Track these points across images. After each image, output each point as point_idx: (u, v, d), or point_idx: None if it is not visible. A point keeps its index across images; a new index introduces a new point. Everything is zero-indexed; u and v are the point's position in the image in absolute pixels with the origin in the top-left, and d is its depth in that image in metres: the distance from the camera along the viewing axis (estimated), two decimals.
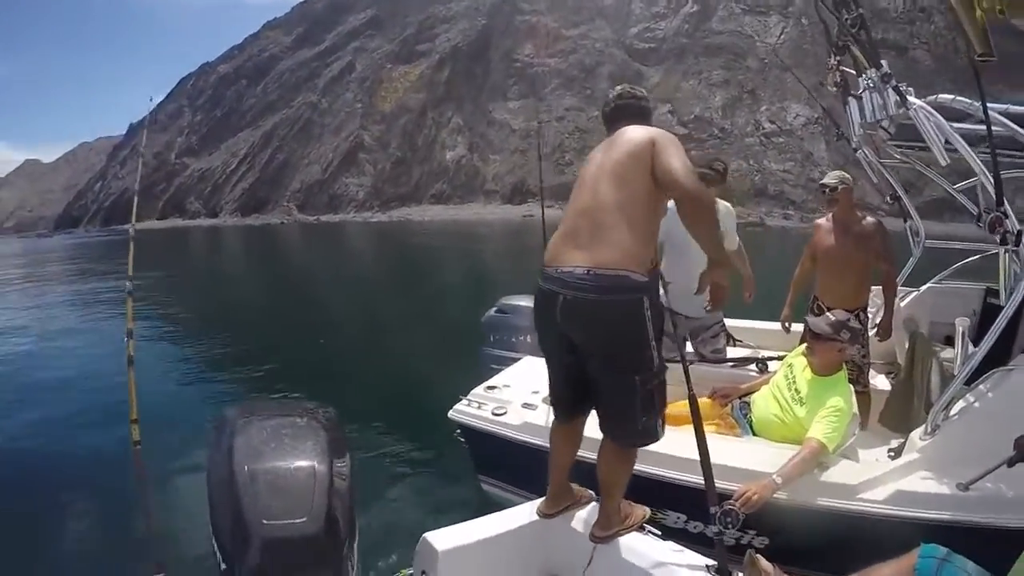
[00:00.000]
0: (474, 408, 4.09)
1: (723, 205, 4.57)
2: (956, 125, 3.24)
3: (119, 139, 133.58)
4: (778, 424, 3.58)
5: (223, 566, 1.63)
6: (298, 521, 1.62)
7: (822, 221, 4.65)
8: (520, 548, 2.85)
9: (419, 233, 47.32)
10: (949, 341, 4.64)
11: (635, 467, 3.00)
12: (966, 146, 3.21)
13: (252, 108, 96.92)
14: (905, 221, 5.61)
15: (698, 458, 2.57)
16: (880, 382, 4.69)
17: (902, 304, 5.17)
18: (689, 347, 4.72)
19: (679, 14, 71.67)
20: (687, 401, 3.78)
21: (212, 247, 50.02)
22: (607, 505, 2.67)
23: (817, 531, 2.94)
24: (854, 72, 3.85)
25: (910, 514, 2.82)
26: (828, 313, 3.77)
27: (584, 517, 2.83)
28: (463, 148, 75.49)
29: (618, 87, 3.00)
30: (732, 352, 4.99)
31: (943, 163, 3.29)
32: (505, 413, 3.92)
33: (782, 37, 59.92)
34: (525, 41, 78.18)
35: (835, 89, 4.28)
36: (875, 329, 4.68)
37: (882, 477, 3.00)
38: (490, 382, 4.32)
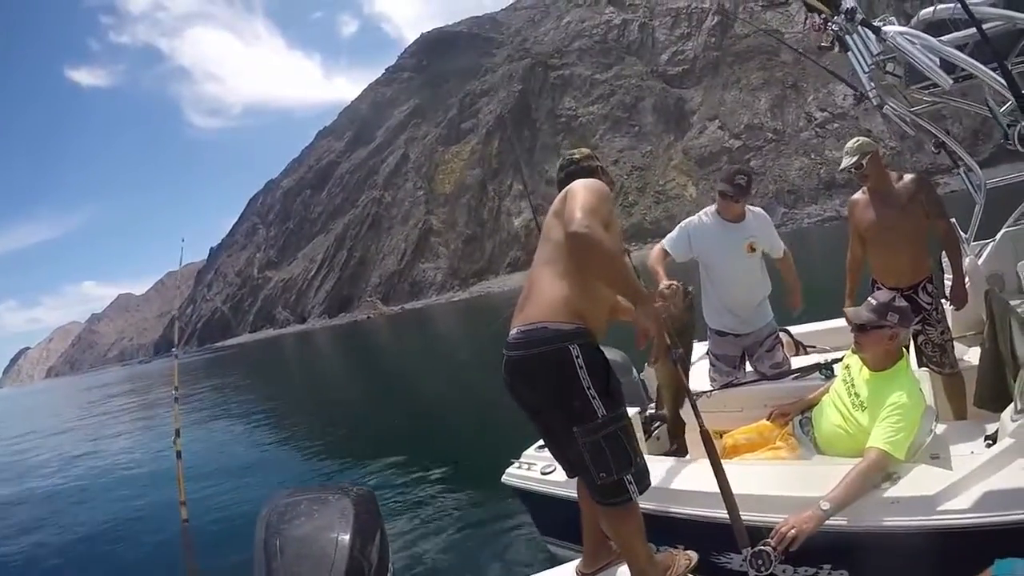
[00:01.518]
0: (524, 470, 3.95)
1: (754, 213, 4.20)
2: (947, 37, 2.92)
3: (202, 264, 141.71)
4: (843, 436, 3.05)
5: None
6: None
7: (858, 196, 4.08)
8: None
9: (499, 303, 48.01)
10: None
11: (675, 507, 2.95)
12: (962, 56, 2.82)
13: (321, 214, 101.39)
14: (957, 166, 5.04)
15: (748, 491, 2.45)
16: (974, 356, 3.91)
17: (980, 261, 4.55)
18: (748, 367, 4.37)
19: (702, 29, 71.91)
20: (744, 429, 3.64)
21: (300, 350, 52.20)
22: (631, 563, 2.52)
23: (898, 556, 2.46)
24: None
25: (1004, 519, 2.25)
26: (868, 299, 3.15)
27: (627, 574, 2.58)
28: (528, 212, 76.45)
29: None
30: (797, 362, 4.41)
31: (945, 86, 2.95)
32: (553, 471, 3.69)
33: (808, 23, 59.00)
34: (563, 96, 79.60)
35: (836, 49, 3.92)
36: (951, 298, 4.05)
37: (968, 478, 2.43)
38: (540, 441, 4.02)
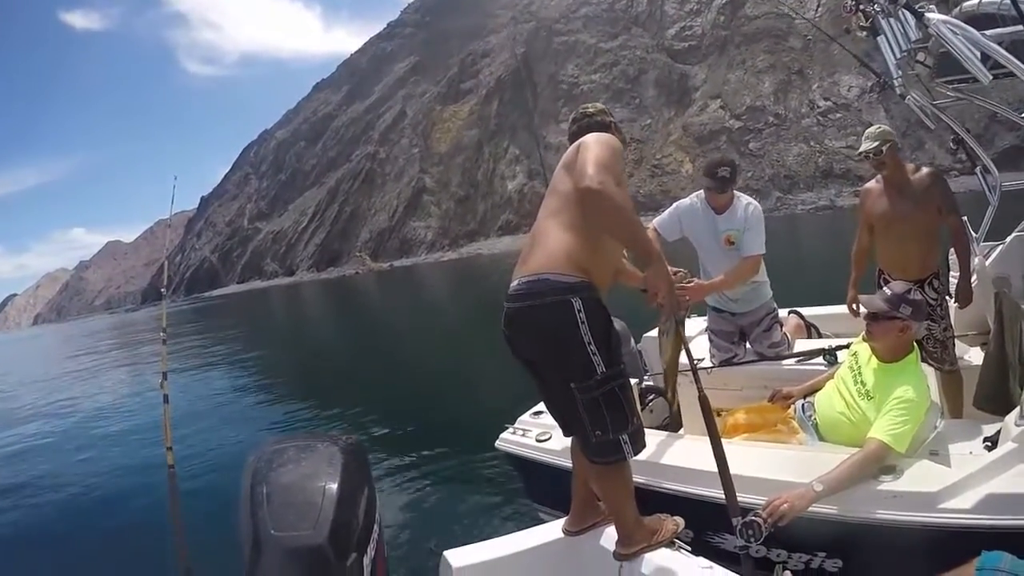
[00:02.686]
0: (519, 436, 3.92)
1: (745, 204, 4.06)
2: (992, 32, 2.80)
3: (192, 212, 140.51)
4: (845, 424, 3.03)
5: (245, 573, 1.81)
6: (304, 532, 1.78)
7: (871, 185, 4.06)
8: (544, 566, 2.73)
9: (488, 265, 48.01)
10: None
11: (668, 482, 2.97)
12: (1007, 55, 2.71)
13: (314, 167, 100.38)
14: (974, 166, 5.03)
15: (745, 472, 2.46)
16: (975, 356, 3.96)
17: (987, 262, 4.54)
18: (748, 346, 4.39)
19: (712, 7, 70.70)
20: (745, 408, 3.65)
21: (288, 302, 52.07)
22: (618, 522, 2.53)
23: (895, 551, 2.47)
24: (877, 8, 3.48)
25: (1005, 523, 2.28)
26: (884, 288, 3.13)
27: (612, 535, 2.60)
28: (523, 176, 76.02)
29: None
30: (803, 345, 4.40)
31: (984, 81, 2.84)
32: (549, 439, 3.68)
33: (820, 9, 58.13)
34: (567, 62, 78.71)
35: (863, 34, 3.84)
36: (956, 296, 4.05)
37: (970, 478, 2.43)
38: (537, 407, 4.04)
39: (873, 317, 2.97)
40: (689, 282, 3.46)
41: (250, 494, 1.90)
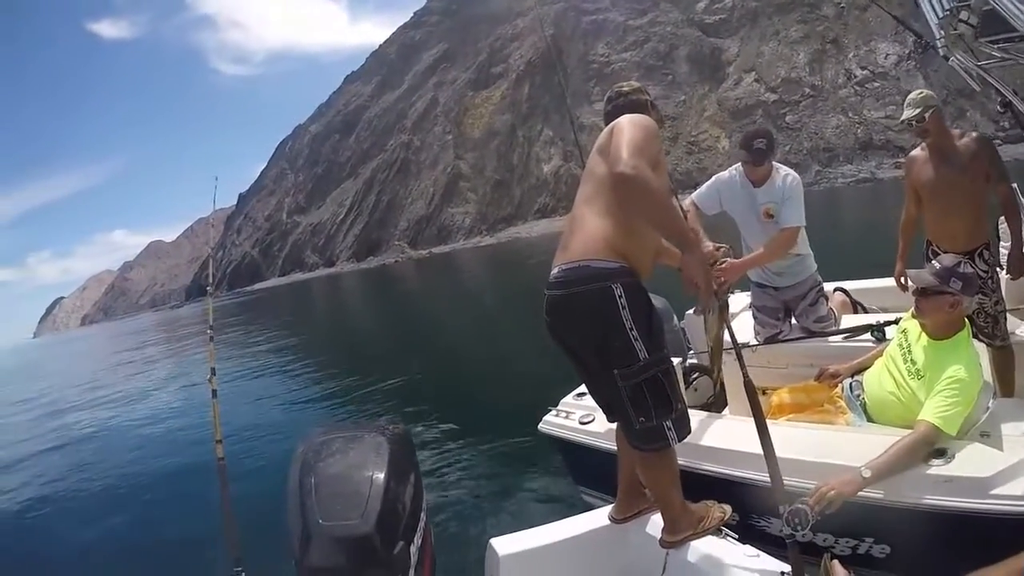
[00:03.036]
0: (562, 419, 3.88)
1: (784, 175, 3.98)
2: None
3: (231, 209, 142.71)
4: (895, 404, 2.92)
5: (294, 562, 1.85)
6: (351, 522, 1.83)
7: (916, 152, 3.87)
8: (590, 554, 2.72)
9: (526, 249, 47.99)
10: None
11: (712, 464, 2.93)
12: None
13: (350, 159, 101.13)
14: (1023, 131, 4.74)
15: (791, 455, 2.41)
16: None
17: None
18: (793, 321, 4.29)
19: None
20: (791, 388, 3.59)
21: (329, 293, 52.86)
22: (664, 510, 2.52)
23: (945, 538, 2.39)
24: None
25: None
26: (933, 261, 2.98)
27: (659, 522, 2.58)
28: (559, 159, 75.76)
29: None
30: (850, 321, 4.25)
31: None
32: (592, 420, 3.64)
33: None
34: (596, 41, 77.95)
35: None
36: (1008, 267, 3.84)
37: (1021, 464, 2.34)
38: (580, 389, 3.97)
39: (922, 292, 2.84)
40: (724, 262, 3.40)
41: (298, 485, 1.95)
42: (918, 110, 3.62)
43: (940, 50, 3.92)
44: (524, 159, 78.23)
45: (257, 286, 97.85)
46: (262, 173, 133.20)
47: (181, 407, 13.37)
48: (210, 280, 3.41)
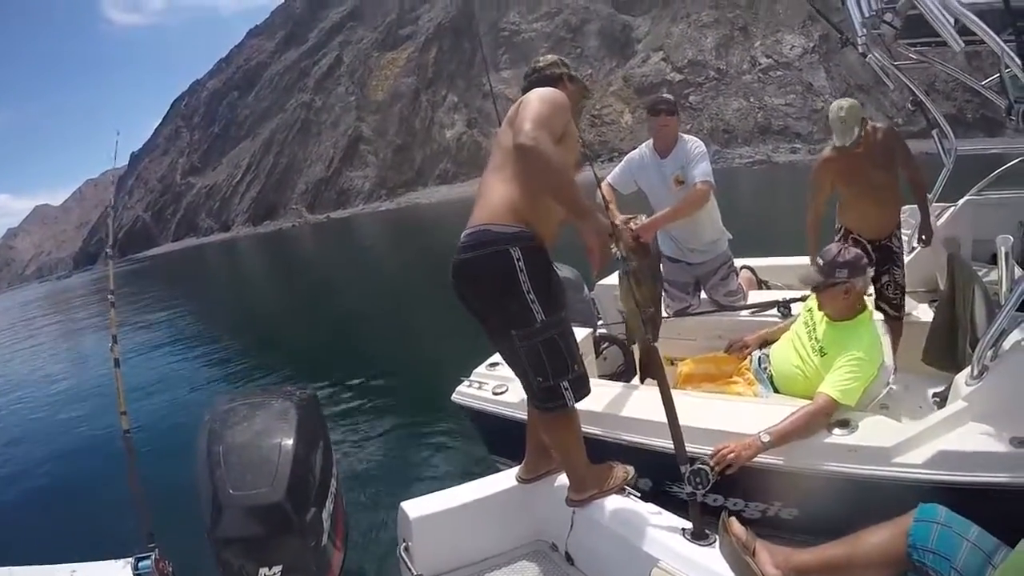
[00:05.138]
0: (475, 389, 3.89)
1: (686, 141, 4.07)
2: (968, 0, 2.77)
3: (123, 170, 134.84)
4: (800, 378, 3.10)
5: (206, 533, 1.79)
6: (262, 490, 1.80)
7: (830, 153, 4.07)
8: (500, 514, 2.79)
9: (427, 215, 47.54)
10: (994, 260, 4.24)
11: (621, 432, 3.01)
12: (981, 24, 2.67)
13: (248, 118, 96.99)
14: (931, 130, 5.07)
15: (698, 424, 2.50)
16: (923, 313, 4.08)
17: (939, 223, 4.64)
18: (703, 295, 4.45)
19: None
20: (700, 358, 3.72)
21: (227, 260, 50.83)
22: (569, 470, 2.60)
23: (847, 502, 2.52)
24: None
25: (953, 479, 2.33)
26: (817, 258, 3.16)
27: (565, 482, 2.65)
28: (462, 125, 75.24)
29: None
30: (757, 297, 4.43)
31: (956, 48, 2.86)
32: (505, 391, 3.67)
33: None
34: (509, 9, 77.46)
35: None
36: (916, 245, 4.27)
37: (922, 435, 2.49)
38: (492, 359, 4.01)
39: (815, 289, 3.06)
40: (638, 219, 3.46)
41: (207, 455, 1.90)
42: (857, 131, 3.80)
43: (860, 47, 4.17)
44: (427, 124, 77.37)
45: (150, 252, 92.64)
46: (156, 131, 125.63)
47: (80, 380, 12.59)
48: (110, 241, 3.24)
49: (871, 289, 3.66)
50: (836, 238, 4.14)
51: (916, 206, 4.33)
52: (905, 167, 4.01)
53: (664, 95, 4.15)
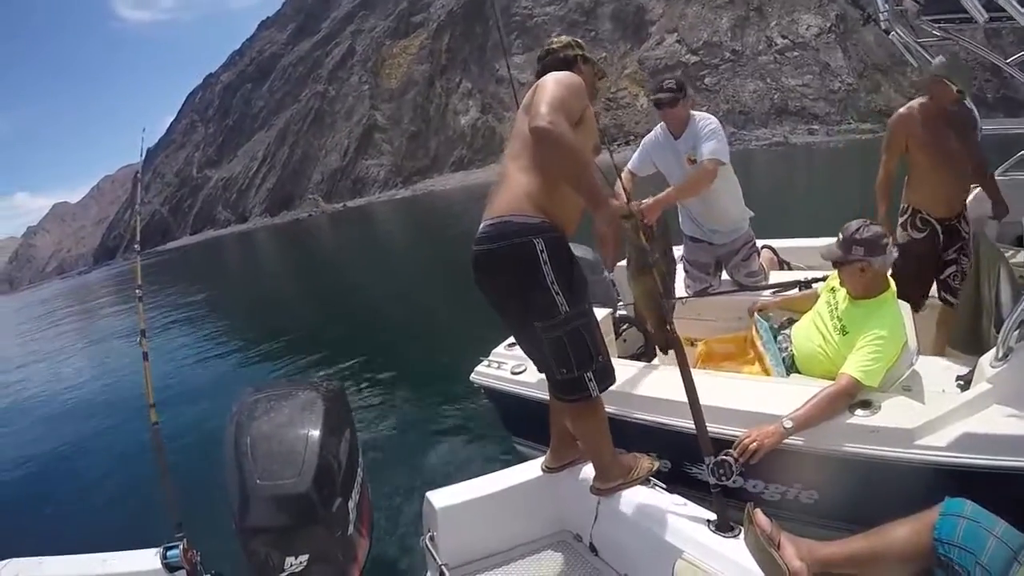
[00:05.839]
0: (494, 369, 3.92)
1: (698, 119, 4.02)
2: None
3: (139, 165, 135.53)
4: (821, 357, 3.06)
5: (233, 523, 1.81)
6: (288, 481, 1.81)
7: (911, 111, 3.85)
8: (525, 504, 2.80)
9: (442, 202, 47.47)
10: (1021, 242, 4.12)
11: (642, 413, 3.01)
12: None
13: (262, 109, 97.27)
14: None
15: (718, 404, 2.49)
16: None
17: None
18: (726, 276, 4.45)
19: None
20: (721, 337, 3.74)
21: (245, 251, 51.20)
22: (595, 459, 2.60)
23: (869, 485, 2.52)
24: None
25: (977, 462, 2.30)
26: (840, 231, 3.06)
27: (591, 472, 2.65)
28: (476, 111, 74.95)
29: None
30: (778, 278, 4.38)
31: (980, 19, 2.77)
32: (524, 371, 3.68)
33: None
34: None
35: None
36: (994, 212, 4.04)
37: (945, 417, 2.46)
38: (511, 339, 3.95)
39: (835, 265, 3.02)
40: (642, 202, 3.45)
41: (234, 445, 1.91)
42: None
43: (882, 23, 4.01)
44: (441, 111, 77.11)
45: (169, 246, 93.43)
46: (171, 126, 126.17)
47: (109, 373, 12.79)
48: (136, 237, 3.31)
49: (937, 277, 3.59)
50: (901, 220, 3.96)
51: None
52: (971, 142, 3.83)
53: (665, 83, 4.07)
